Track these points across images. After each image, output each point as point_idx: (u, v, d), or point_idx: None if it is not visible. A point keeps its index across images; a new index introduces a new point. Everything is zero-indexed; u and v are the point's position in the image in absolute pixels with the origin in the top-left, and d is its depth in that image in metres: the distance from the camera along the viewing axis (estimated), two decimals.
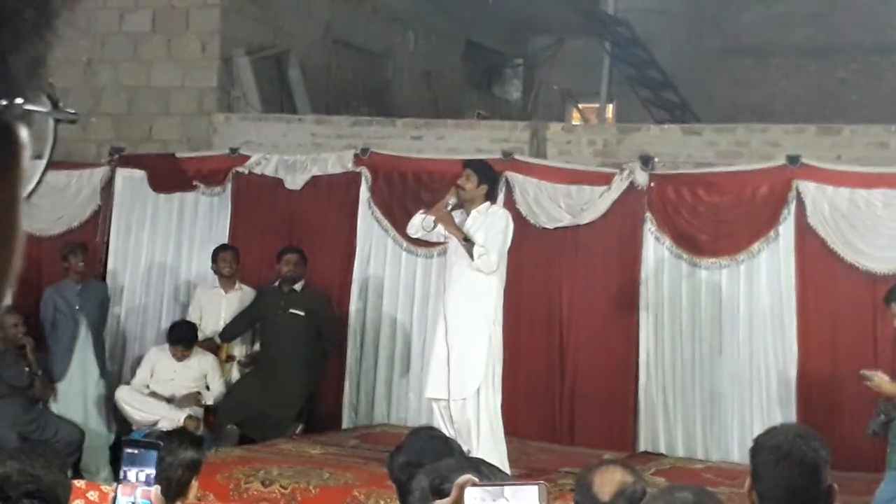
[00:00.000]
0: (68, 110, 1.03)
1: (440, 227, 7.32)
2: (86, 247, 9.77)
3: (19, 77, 0.95)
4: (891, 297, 6.66)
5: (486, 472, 2.84)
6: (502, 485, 1.98)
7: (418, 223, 7.45)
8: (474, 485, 1.97)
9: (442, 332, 7.22)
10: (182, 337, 9.11)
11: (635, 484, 3.43)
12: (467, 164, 7.51)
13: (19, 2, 0.92)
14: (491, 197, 7.46)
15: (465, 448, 6.64)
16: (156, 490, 2.26)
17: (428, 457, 3.44)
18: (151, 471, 2.45)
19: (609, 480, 3.43)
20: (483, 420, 7.10)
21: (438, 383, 7.17)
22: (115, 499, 2.28)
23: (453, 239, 7.27)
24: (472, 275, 7.17)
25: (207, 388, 9.10)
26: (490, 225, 7.20)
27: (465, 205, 7.29)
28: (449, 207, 7.27)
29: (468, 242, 7.12)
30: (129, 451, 2.47)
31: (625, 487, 3.40)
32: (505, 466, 6.92)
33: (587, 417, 8.91)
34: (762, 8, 16.34)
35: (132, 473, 2.44)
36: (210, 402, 9.06)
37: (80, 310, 9.34)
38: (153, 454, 2.48)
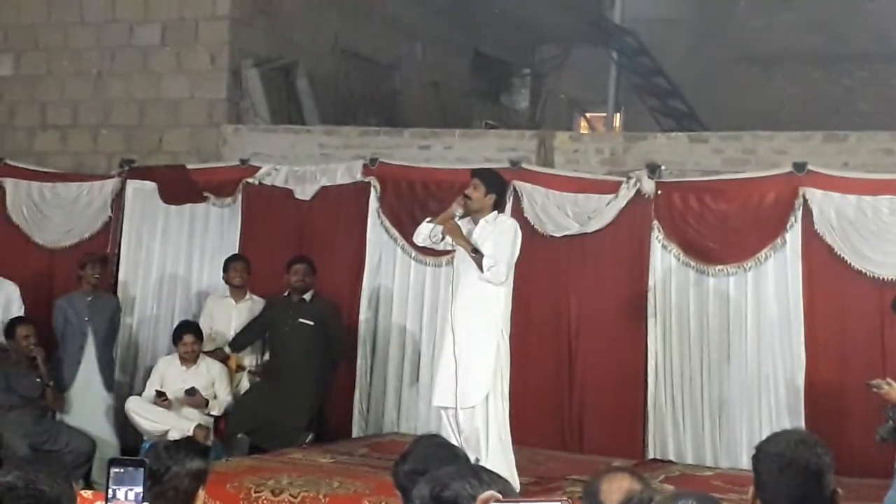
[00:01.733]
0: None
1: (448, 238, 7.33)
2: (106, 259, 9.82)
3: None
4: None
5: (486, 479, 2.85)
6: (527, 501, 1.97)
7: (426, 233, 7.44)
8: (497, 501, 1.97)
9: (450, 341, 7.21)
10: (188, 328, 9.17)
11: (643, 492, 3.43)
12: (475, 173, 7.49)
13: None
14: (499, 206, 7.45)
15: (473, 457, 6.69)
16: None
17: (433, 464, 3.45)
18: (139, 489, 2.44)
19: (616, 488, 3.43)
20: (492, 429, 7.11)
21: (446, 391, 7.18)
22: None
23: (461, 248, 7.29)
24: (481, 284, 7.16)
25: (215, 396, 9.13)
26: (498, 234, 7.20)
27: (472, 214, 7.30)
28: (456, 217, 7.28)
29: (477, 254, 7.13)
30: (116, 470, 2.46)
31: (632, 495, 3.41)
32: (513, 475, 6.95)
33: (596, 425, 8.92)
34: (768, 16, 16.36)
35: (121, 492, 2.44)
36: (216, 411, 9.07)
37: (88, 321, 9.38)
38: (140, 472, 2.47)
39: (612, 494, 3.41)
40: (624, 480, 3.46)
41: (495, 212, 7.34)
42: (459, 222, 7.28)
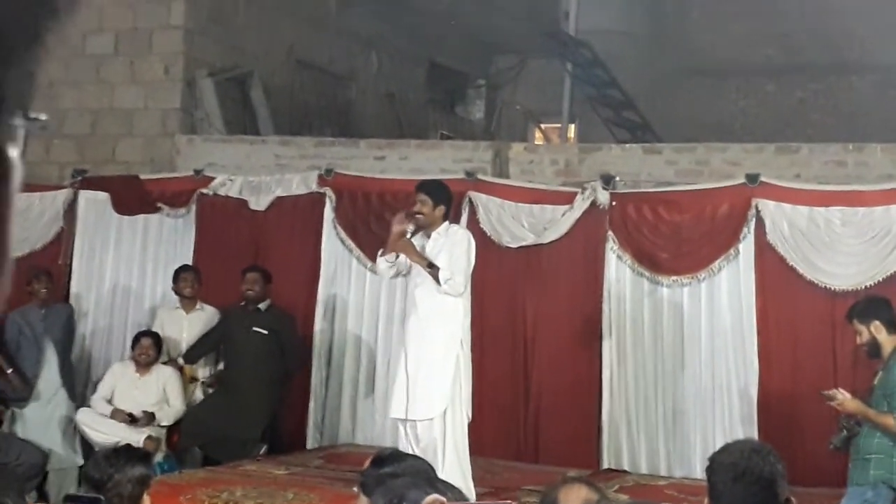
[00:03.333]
0: (39, 116, 1.03)
1: (402, 257, 7.32)
2: (50, 273, 9.69)
3: (10, 95, 0.95)
4: (853, 314, 6.72)
5: (440, 488, 2.87)
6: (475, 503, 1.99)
7: (385, 267, 7.41)
8: None
9: (403, 354, 7.23)
10: (147, 333, 9.13)
11: (599, 502, 3.45)
12: (420, 188, 7.43)
13: (12, 19, 0.93)
14: (448, 216, 7.45)
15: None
16: None
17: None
18: None
19: (573, 498, 3.44)
20: (449, 440, 7.11)
21: (400, 404, 7.18)
22: None
23: (417, 264, 7.28)
24: (439, 297, 7.15)
25: (168, 403, 9.03)
26: (452, 246, 7.19)
27: (424, 228, 7.29)
28: (409, 235, 7.26)
29: (433, 268, 7.13)
30: None
31: None
32: (469, 486, 6.96)
33: (551, 435, 8.94)
34: (721, 29, 16.48)
35: None
36: (165, 422, 8.91)
37: (44, 333, 9.27)
38: None
39: None
40: (581, 490, 3.47)
41: (446, 222, 7.35)
42: (413, 238, 7.27)
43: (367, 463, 3.67)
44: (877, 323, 6.53)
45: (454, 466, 7.04)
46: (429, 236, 7.26)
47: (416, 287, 7.31)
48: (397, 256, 7.27)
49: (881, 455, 6.35)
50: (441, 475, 6.73)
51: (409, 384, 7.09)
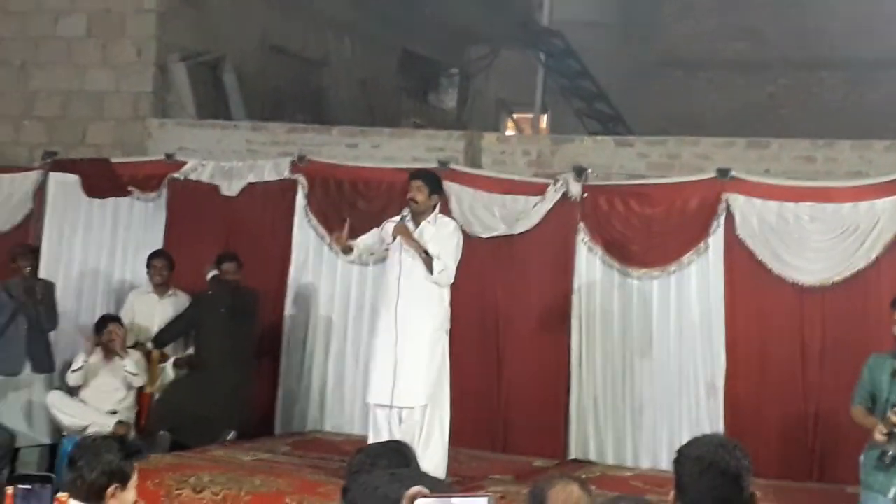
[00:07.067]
0: None
1: (382, 244, 7.39)
2: (37, 249, 9.52)
3: None
4: None
5: (420, 478, 2.87)
6: (451, 496, 2.01)
7: (354, 255, 7.48)
8: (424, 496, 2.00)
9: (391, 339, 7.23)
10: (113, 318, 9.04)
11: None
12: (417, 175, 7.53)
13: None
14: (437, 206, 7.52)
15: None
16: None
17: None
18: None
19: (565, 497, 3.43)
20: (435, 427, 7.20)
21: (383, 389, 7.20)
22: None
23: (399, 248, 7.28)
24: (427, 284, 7.24)
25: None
26: (442, 237, 7.29)
27: (415, 216, 7.33)
28: (406, 219, 7.29)
29: (427, 256, 7.18)
30: (23, 487, 2.41)
31: None
32: (441, 472, 7.03)
33: (519, 424, 8.96)
34: (694, 22, 16.56)
35: None
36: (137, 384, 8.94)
37: (21, 303, 9.13)
38: (48, 490, 2.43)
39: None
40: (574, 490, 3.46)
41: (435, 212, 7.42)
42: (392, 224, 7.32)
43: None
44: None
45: (437, 455, 7.11)
46: (418, 224, 7.30)
47: (401, 273, 7.30)
48: (394, 238, 7.29)
49: None
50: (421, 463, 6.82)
51: (396, 370, 7.12)
